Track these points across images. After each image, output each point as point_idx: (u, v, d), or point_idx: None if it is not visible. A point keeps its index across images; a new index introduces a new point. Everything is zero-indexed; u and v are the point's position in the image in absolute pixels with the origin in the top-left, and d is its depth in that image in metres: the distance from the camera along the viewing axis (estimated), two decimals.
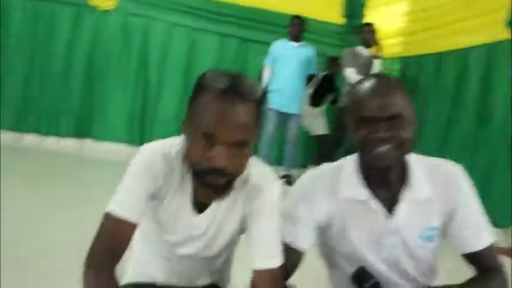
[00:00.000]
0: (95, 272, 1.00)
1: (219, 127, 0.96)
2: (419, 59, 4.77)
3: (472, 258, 1.21)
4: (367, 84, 1.16)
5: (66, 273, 1.04)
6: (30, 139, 5.15)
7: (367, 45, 4.53)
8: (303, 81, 4.69)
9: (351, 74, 4.38)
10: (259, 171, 1.16)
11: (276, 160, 4.88)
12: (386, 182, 1.20)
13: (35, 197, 2.90)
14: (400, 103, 1.13)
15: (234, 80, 0.99)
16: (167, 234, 1.18)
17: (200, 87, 1.01)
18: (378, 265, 1.23)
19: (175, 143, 1.14)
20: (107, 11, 5.25)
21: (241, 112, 0.97)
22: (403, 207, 1.20)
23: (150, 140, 1.16)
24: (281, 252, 1.14)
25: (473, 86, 4.00)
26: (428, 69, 4.64)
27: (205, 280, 1.28)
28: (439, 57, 4.46)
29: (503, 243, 3.61)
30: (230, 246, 1.25)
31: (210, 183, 1.00)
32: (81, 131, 5.30)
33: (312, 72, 4.78)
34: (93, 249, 1.03)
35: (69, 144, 5.24)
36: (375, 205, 1.20)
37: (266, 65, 4.69)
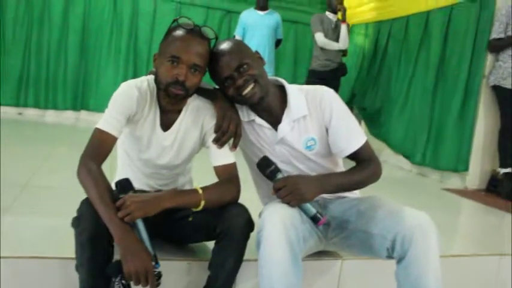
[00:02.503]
0: (85, 166, 1.37)
1: (183, 52, 1.42)
2: (391, 23, 5.11)
3: (351, 158, 1.61)
4: (215, 52, 1.54)
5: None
6: (30, 113, 5.47)
7: (334, 11, 4.74)
8: (272, 46, 4.93)
9: (319, 37, 4.63)
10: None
11: None
12: (268, 109, 1.60)
13: (36, 157, 3.22)
14: (239, 55, 1.52)
15: (195, 25, 1.47)
16: (143, 153, 1.57)
17: (173, 28, 1.47)
18: (280, 164, 1.57)
19: (144, 79, 1.55)
20: None
21: (199, 45, 1.45)
22: (285, 124, 1.58)
23: None
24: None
25: (434, 47, 4.38)
26: (396, 33, 5.00)
27: (169, 186, 1.66)
28: (407, 21, 4.82)
29: (460, 186, 3.98)
30: (190, 157, 1.64)
31: (173, 93, 1.44)
32: (77, 104, 5.63)
33: (279, 37, 5.01)
34: (84, 153, 1.41)
35: (67, 116, 5.58)
36: (261, 121, 1.60)
37: (236, 34, 4.94)
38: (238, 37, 4.88)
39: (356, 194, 1.73)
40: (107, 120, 1.45)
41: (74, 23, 5.49)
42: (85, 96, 5.64)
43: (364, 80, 5.50)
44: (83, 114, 5.64)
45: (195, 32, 1.45)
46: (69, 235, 1.34)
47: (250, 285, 1.67)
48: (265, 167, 1.51)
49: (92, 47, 5.61)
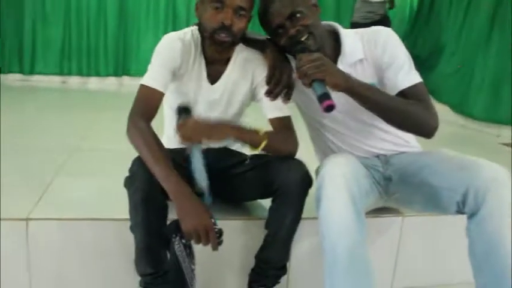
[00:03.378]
0: (134, 124, 1.30)
1: None
2: None
3: (405, 96, 1.40)
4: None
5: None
6: (74, 81, 5.52)
7: None
8: None
9: None
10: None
11: None
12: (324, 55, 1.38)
13: (83, 122, 3.23)
14: (292, 2, 1.37)
15: None
16: None
17: None
18: (338, 115, 1.48)
19: (188, 30, 1.46)
20: None
21: None
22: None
23: None
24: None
25: None
26: None
27: (219, 143, 1.52)
28: None
29: None
30: (240, 112, 1.54)
31: (219, 40, 1.33)
32: (119, 70, 5.64)
33: None
34: (132, 111, 1.34)
35: (109, 82, 5.60)
36: None
37: None
38: None
39: (417, 147, 1.60)
40: (151, 76, 1.37)
41: None
42: (126, 61, 5.65)
43: (412, 28, 5.20)
44: (125, 79, 5.65)
45: None
46: (121, 196, 1.30)
47: (307, 244, 1.61)
48: (297, 44, 1.38)
49: (131, 12, 5.57)
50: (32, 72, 5.37)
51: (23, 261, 1.47)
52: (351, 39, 1.47)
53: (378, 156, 1.55)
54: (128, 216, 1.29)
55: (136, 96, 1.37)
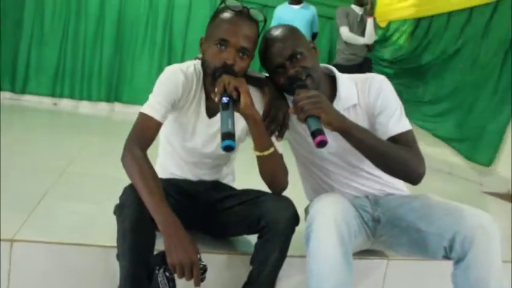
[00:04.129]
0: (130, 151, 1.32)
1: (231, 34, 1.35)
2: (430, 19, 4.96)
3: (395, 142, 1.44)
4: (267, 37, 1.48)
5: None
6: (65, 103, 5.53)
7: (360, 4, 4.62)
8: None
9: (344, 31, 4.52)
10: None
11: None
12: None
13: (72, 146, 3.23)
14: (290, 43, 1.44)
15: (243, 7, 1.40)
16: (188, 141, 1.52)
17: (221, 10, 1.40)
18: (327, 155, 1.54)
19: (191, 64, 1.49)
20: None
21: (248, 27, 1.38)
22: None
23: None
24: None
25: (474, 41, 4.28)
26: (437, 29, 4.85)
27: (211, 176, 1.60)
28: (448, 17, 4.67)
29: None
30: (236, 146, 1.53)
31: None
32: (111, 96, 5.66)
33: (315, 31, 4.93)
34: (129, 138, 1.36)
35: (101, 107, 5.62)
36: None
37: None
38: None
39: (404, 191, 1.63)
40: (151, 105, 1.40)
41: (110, 15, 5.54)
42: (119, 88, 5.68)
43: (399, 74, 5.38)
44: (117, 106, 5.67)
45: (243, 13, 1.39)
46: (108, 222, 1.30)
47: (294, 282, 1.60)
48: (295, 80, 1.41)
49: (127, 39, 5.65)
50: (23, 91, 5.35)
51: (3, 282, 1.45)
52: (347, 84, 1.52)
53: (367, 196, 1.57)
54: (114, 243, 1.28)
55: (134, 124, 1.39)
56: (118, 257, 1.28)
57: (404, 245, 1.50)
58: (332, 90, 1.53)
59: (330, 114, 1.31)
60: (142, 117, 1.39)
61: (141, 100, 5.20)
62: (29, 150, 2.83)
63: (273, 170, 1.42)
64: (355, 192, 1.58)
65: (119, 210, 1.27)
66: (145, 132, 1.37)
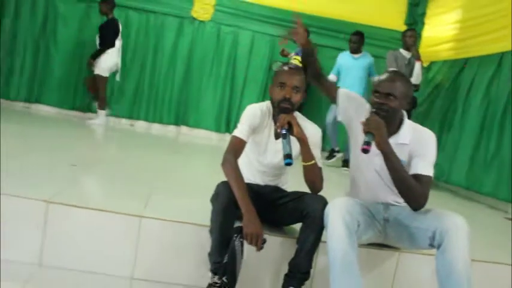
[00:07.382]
0: (228, 160, 2.01)
1: (287, 78, 2.07)
2: (465, 61, 5.38)
3: (416, 178, 1.97)
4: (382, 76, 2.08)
5: None
6: (140, 125, 6.46)
7: (408, 48, 5.14)
8: (363, 85, 5.39)
9: None
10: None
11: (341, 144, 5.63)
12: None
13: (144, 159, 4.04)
14: (392, 86, 2.01)
15: (292, 64, 2.10)
16: (261, 155, 2.20)
17: (280, 67, 2.12)
18: (368, 171, 2.14)
19: (264, 104, 2.20)
20: (204, 21, 6.45)
21: (297, 74, 2.09)
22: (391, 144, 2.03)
23: (234, 129, 2.16)
24: None
25: (503, 86, 4.70)
26: (469, 71, 5.27)
27: (274, 182, 2.27)
28: (480, 61, 5.10)
29: None
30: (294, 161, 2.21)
31: (283, 107, 2.05)
32: (179, 120, 6.56)
33: (372, 76, 5.46)
34: (226, 151, 2.06)
35: (169, 129, 6.51)
36: None
37: (332, 74, 5.50)
38: (333, 76, 5.47)
39: None
40: (239, 130, 2.09)
41: (181, 52, 6.47)
42: (186, 113, 6.54)
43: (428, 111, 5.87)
44: (184, 129, 6.52)
45: (293, 67, 2.12)
46: (201, 211, 1.97)
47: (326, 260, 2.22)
48: (379, 107, 1.99)
49: (196, 72, 6.52)
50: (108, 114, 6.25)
51: (131, 252, 2.16)
52: (407, 128, 2.08)
53: (382, 203, 2.18)
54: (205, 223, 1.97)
55: (229, 142, 2.09)
56: (211, 231, 1.95)
57: (404, 240, 2.10)
58: (398, 127, 2.09)
59: (381, 137, 1.91)
60: (234, 138, 2.08)
61: (205, 124, 6.18)
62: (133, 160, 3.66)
63: (313, 176, 2.08)
64: (375, 198, 2.17)
65: (215, 196, 1.97)
66: (236, 147, 2.06)
